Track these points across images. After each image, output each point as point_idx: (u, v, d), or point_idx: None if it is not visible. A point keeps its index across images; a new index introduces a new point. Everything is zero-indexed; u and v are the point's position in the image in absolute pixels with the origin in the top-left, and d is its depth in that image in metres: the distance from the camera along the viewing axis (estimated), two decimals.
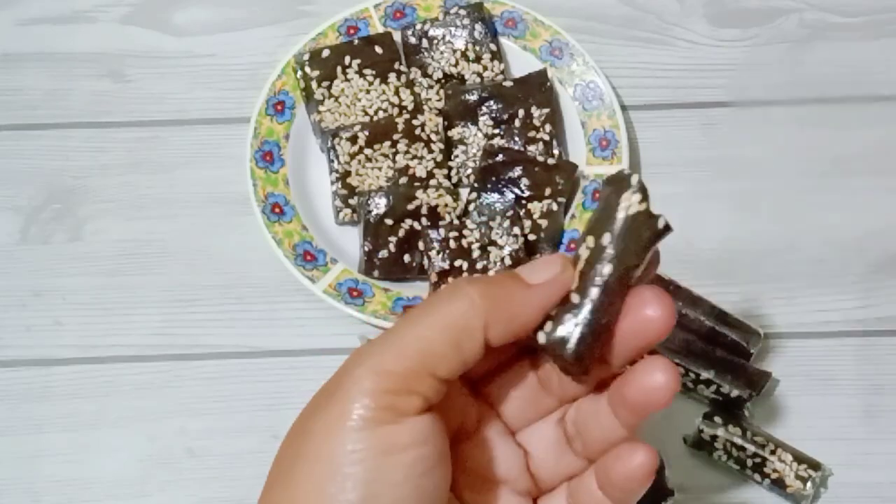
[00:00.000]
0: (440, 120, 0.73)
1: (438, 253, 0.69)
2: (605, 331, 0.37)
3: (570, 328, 0.37)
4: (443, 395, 0.37)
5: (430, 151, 0.72)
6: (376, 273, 0.70)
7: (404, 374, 0.35)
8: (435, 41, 0.75)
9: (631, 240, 0.37)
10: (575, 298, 0.37)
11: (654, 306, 0.36)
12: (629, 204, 0.37)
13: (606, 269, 0.37)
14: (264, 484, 0.38)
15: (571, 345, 0.37)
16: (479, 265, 0.68)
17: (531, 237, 0.70)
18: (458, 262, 0.68)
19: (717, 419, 0.65)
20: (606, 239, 0.37)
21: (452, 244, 0.69)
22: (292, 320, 0.71)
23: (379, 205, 0.70)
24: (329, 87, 0.73)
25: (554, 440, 0.41)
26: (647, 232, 0.37)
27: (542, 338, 0.37)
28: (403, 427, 0.35)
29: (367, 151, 0.72)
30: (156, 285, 0.72)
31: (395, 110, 0.73)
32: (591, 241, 0.37)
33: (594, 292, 0.37)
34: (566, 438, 0.41)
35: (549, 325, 0.37)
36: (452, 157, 0.74)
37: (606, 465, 0.38)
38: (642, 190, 0.37)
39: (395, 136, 0.72)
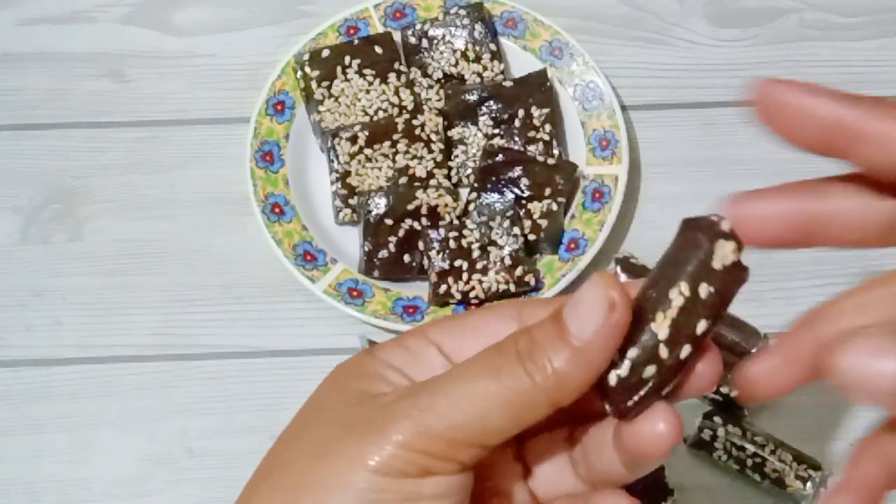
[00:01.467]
0: (440, 120, 0.73)
1: (438, 253, 0.69)
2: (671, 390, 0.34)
3: (646, 382, 0.34)
4: (480, 459, 0.35)
5: (430, 151, 0.72)
6: (376, 273, 0.70)
7: (451, 442, 0.34)
8: (435, 41, 0.75)
9: (725, 294, 0.34)
10: (663, 352, 0.33)
11: (664, 422, 0.34)
12: (724, 253, 0.34)
13: (702, 325, 0.34)
14: (254, 476, 0.37)
15: (635, 400, 0.34)
16: (479, 265, 0.68)
17: (531, 237, 0.70)
18: (458, 262, 0.68)
19: (717, 419, 0.65)
20: (704, 290, 0.34)
21: (452, 244, 0.69)
22: (292, 320, 0.71)
23: (379, 205, 0.70)
24: (329, 87, 0.73)
25: (557, 458, 0.38)
26: (736, 286, 0.34)
27: (612, 379, 0.34)
28: (429, 481, 0.34)
29: (367, 151, 0.72)
30: (156, 285, 0.72)
31: (395, 110, 0.73)
32: (685, 288, 0.33)
33: (685, 350, 0.33)
34: (570, 459, 0.38)
35: (624, 366, 0.34)
36: (452, 157, 0.74)
37: (629, 433, 0.35)
38: (736, 239, 0.34)
39: (395, 136, 0.72)
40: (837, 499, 0.34)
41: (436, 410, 0.34)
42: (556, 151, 0.73)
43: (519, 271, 0.68)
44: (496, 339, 0.36)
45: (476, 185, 0.72)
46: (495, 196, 0.71)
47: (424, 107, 0.74)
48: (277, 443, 0.37)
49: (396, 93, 0.74)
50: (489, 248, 0.69)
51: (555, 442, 0.38)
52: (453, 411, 0.33)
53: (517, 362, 0.34)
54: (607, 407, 0.35)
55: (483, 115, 0.73)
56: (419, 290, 0.70)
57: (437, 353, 0.37)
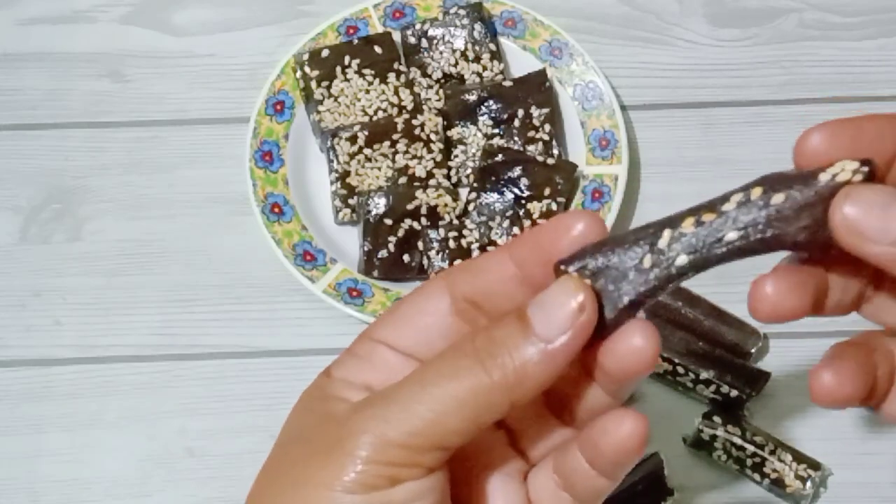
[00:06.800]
0: (440, 120, 0.73)
1: (438, 253, 0.69)
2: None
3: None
4: (447, 459, 0.34)
5: (430, 151, 0.72)
6: (376, 273, 0.70)
7: (411, 449, 0.33)
8: (434, 41, 0.75)
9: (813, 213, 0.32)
10: (663, 239, 0.33)
11: (640, 336, 0.33)
12: (845, 174, 0.32)
13: (731, 234, 0.33)
14: None
15: (614, 314, 0.33)
16: None
17: None
18: (457, 262, 0.68)
19: (717, 419, 0.65)
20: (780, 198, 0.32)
21: (452, 244, 0.69)
22: (292, 320, 0.71)
23: (378, 205, 0.70)
24: (328, 87, 0.73)
25: (536, 412, 0.38)
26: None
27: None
28: (398, 489, 0.34)
29: (367, 151, 0.72)
30: (155, 285, 0.72)
31: (395, 110, 0.73)
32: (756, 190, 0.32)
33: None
34: (550, 410, 0.38)
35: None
36: (452, 157, 0.74)
37: (593, 438, 0.34)
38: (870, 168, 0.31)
39: (395, 136, 0.72)
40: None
41: (392, 419, 0.33)
42: (555, 151, 0.73)
43: None
44: (430, 317, 0.36)
45: (476, 185, 0.72)
46: (495, 196, 0.71)
47: (424, 107, 0.74)
48: (258, 478, 0.37)
49: (396, 93, 0.74)
50: (489, 248, 0.69)
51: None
52: (410, 418, 0.33)
53: (474, 361, 0.33)
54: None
55: (483, 115, 0.73)
56: None
57: (386, 349, 0.37)
